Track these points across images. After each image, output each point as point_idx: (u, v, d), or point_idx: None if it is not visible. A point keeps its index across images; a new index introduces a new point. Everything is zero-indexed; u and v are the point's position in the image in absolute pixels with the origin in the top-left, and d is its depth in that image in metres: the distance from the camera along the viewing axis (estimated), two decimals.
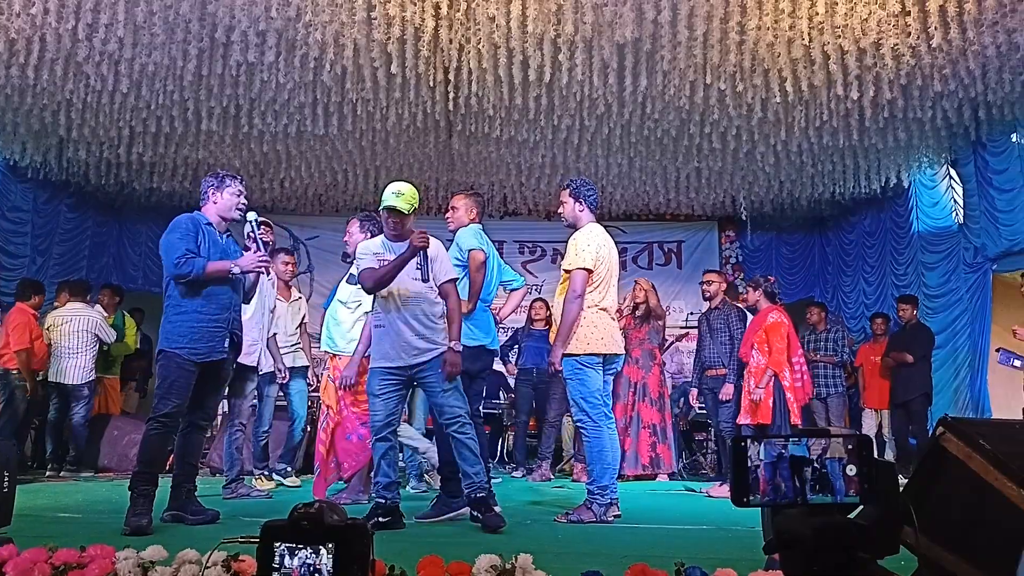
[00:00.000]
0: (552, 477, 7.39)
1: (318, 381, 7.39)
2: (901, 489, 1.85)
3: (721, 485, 6.23)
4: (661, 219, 10.82)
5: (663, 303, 7.94)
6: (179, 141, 7.84)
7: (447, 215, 5.06)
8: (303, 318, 6.49)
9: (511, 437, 8.60)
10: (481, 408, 5.46)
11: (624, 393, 7.29)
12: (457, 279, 4.33)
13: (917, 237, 8.73)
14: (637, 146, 7.91)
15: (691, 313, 9.99)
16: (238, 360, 4.59)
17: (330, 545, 1.65)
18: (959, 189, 8.12)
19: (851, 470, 1.47)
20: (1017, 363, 6.24)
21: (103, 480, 6.96)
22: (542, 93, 6.60)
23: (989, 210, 7.46)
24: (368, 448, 5.06)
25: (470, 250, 4.65)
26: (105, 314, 7.88)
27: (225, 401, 5.87)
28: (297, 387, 6.32)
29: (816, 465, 1.48)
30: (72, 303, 7.56)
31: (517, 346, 8.33)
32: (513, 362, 8.33)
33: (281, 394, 6.36)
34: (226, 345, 4.17)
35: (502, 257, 5.42)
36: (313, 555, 1.65)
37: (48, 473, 7.23)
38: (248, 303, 4.98)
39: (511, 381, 8.53)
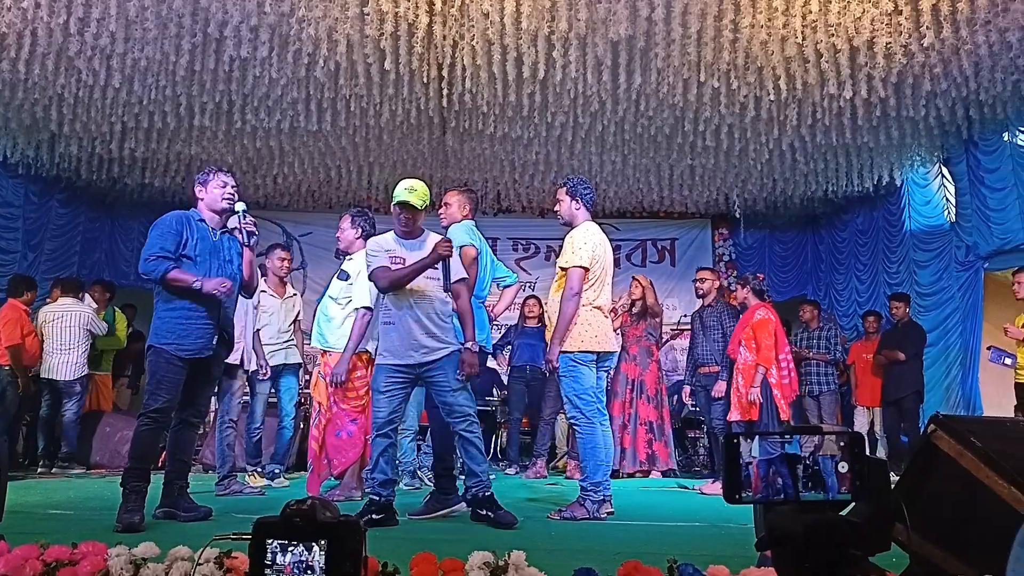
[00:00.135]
0: (547, 474, 7.40)
1: (309, 377, 7.36)
2: (893, 486, 1.86)
3: (714, 482, 6.26)
4: (655, 217, 10.83)
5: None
6: (171, 137, 7.81)
7: (440, 211, 5.05)
8: (297, 315, 6.47)
9: (504, 434, 8.61)
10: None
11: (622, 391, 7.31)
12: (467, 279, 4.34)
13: (909, 235, 8.76)
14: (631, 143, 7.92)
15: (684, 315, 9.98)
16: None
17: (323, 542, 1.65)
18: (951, 188, 8.15)
19: (843, 467, 1.48)
20: (1008, 361, 6.29)
21: (95, 477, 6.94)
22: (536, 90, 6.60)
23: (981, 209, 7.49)
24: (357, 444, 5.07)
25: (462, 246, 4.65)
26: (95, 307, 7.86)
27: (215, 399, 5.86)
28: (287, 384, 6.29)
29: (808, 462, 1.48)
30: (63, 299, 7.54)
31: (510, 343, 8.33)
32: (506, 358, 8.33)
33: (273, 391, 6.33)
34: (216, 342, 4.15)
35: (495, 254, 5.41)
36: (305, 552, 1.65)
37: (40, 470, 7.20)
38: (250, 296, 4.98)
39: (504, 378, 8.53)
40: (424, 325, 4.15)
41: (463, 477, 4.70)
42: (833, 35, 5.61)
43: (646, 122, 7.27)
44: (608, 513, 4.47)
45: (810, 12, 5.41)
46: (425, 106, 7.03)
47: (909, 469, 2.29)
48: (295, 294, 6.54)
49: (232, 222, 4.30)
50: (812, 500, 1.47)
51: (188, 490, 4.26)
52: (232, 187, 4.25)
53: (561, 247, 4.71)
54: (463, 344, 4.22)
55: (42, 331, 7.33)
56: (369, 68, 6.16)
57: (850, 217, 10.05)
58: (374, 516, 3.96)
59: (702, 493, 6.06)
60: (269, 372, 6.02)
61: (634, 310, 7.34)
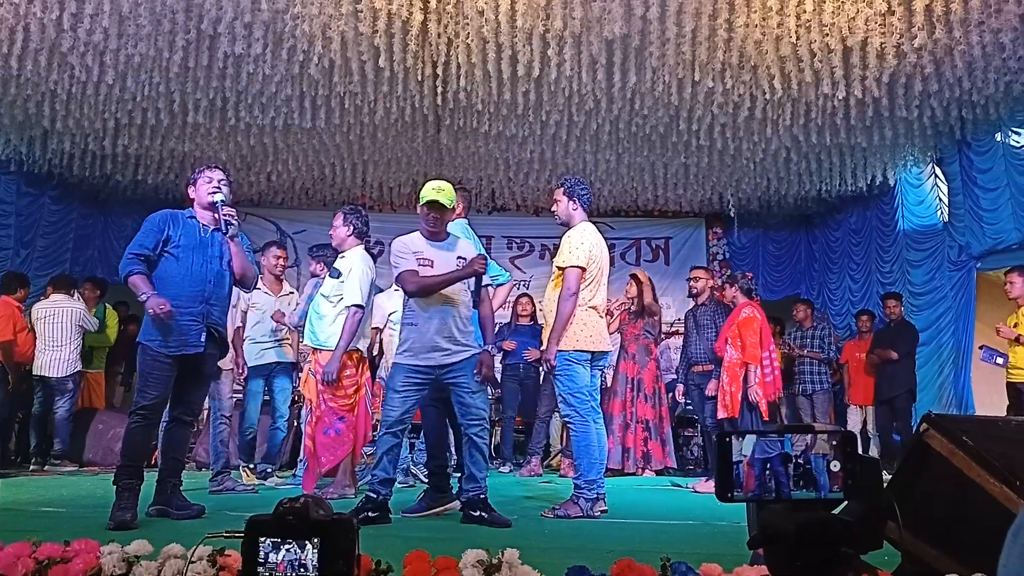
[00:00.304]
0: (541, 472, 7.40)
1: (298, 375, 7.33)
2: (885, 485, 1.87)
3: (707, 480, 6.26)
4: (649, 215, 10.84)
5: None
6: (165, 133, 7.79)
7: None
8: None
9: (498, 432, 8.61)
10: None
11: (622, 390, 7.31)
12: (491, 285, 4.36)
13: (902, 235, 8.80)
14: (625, 142, 7.93)
15: (678, 319, 9.97)
16: None
17: (315, 540, 1.64)
18: (944, 187, 8.18)
19: (835, 466, 1.48)
20: (1000, 360, 6.31)
21: (87, 474, 6.92)
22: (531, 88, 6.60)
23: (973, 208, 7.52)
24: (346, 442, 5.07)
25: None
26: (86, 306, 7.83)
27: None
28: (281, 385, 6.23)
29: (801, 461, 1.48)
30: (55, 295, 7.51)
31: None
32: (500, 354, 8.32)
33: (266, 389, 6.30)
34: (203, 339, 4.09)
35: (490, 252, 5.41)
36: (298, 550, 1.64)
37: (32, 467, 7.17)
38: (249, 290, 4.96)
39: (497, 376, 8.52)
40: (449, 329, 4.16)
41: (457, 475, 4.71)
42: (827, 35, 5.63)
43: (640, 121, 7.28)
44: (602, 511, 4.47)
45: (804, 12, 5.42)
46: (419, 104, 7.02)
47: (901, 468, 2.30)
48: (292, 292, 6.48)
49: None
50: (804, 499, 1.47)
51: (181, 488, 4.25)
52: (218, 180, 4.21)
53: (556, 246, 4.72)
54: (483, 347, 4.26)
55: (34, 328, 7.31)
56: (363, 65, 6.15)
57: (843, 216, 10.08)
58: (370, 514, 3.95)
59: (695, 491, 6.07)
60: (245, 371, 5.97)
61: (632, 308, 7.34)
